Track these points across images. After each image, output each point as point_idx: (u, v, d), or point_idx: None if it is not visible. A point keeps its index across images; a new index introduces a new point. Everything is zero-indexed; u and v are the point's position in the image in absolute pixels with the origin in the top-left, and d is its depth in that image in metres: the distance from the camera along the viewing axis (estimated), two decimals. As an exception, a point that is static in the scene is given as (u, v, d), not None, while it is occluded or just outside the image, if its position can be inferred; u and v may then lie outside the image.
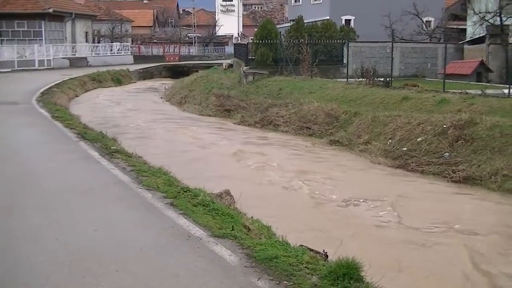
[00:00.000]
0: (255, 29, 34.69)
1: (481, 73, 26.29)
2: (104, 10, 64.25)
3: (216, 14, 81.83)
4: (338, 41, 29.06)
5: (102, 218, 7.16)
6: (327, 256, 6.45)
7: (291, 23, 33.34)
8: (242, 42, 46.26)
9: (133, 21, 71.52)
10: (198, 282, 5.24)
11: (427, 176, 13.05)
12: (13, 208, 7.58)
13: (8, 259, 5.77)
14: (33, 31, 42.26)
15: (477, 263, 8.06)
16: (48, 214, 7.30)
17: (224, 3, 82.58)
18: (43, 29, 42.40)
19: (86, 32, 51.13)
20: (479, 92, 18.01)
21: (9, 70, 36.97)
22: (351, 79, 23.97)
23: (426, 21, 36.33)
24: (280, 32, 30.36)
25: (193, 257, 5.78)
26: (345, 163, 14.89)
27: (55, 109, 18.93)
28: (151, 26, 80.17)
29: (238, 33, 76.53)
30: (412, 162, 13.89)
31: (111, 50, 52.90)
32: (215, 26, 75.36)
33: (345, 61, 27.90)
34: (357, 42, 29.74)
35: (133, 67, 46.88)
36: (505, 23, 27.22)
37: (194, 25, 74.81)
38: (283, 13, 78.95)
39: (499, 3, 27.77)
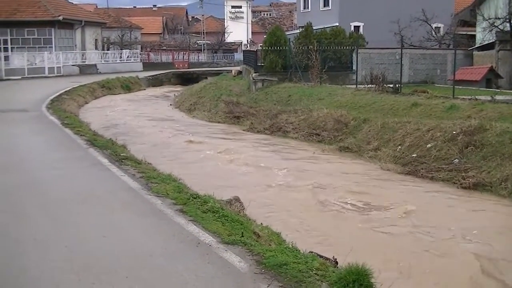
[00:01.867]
0: (264, 36, 34.72)
1: (490, 79, 26.19)
2: (114, 17, 64.58)
3: (225, 21, 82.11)
4: (347, 47, 29.10)
5: (112, 224, 7.18)
6: (337, 262, 6.44)
7: (300, 29, 33.34)
8: (251, 49, 46.30)
9: (143, 28, 71.90)
10: (208, 288, 5.24)
11: (437, 183, 12.99)
12: (22, 214, 7.61)
13: (17, 266, 5.77)
14: (43, 38, 42.60)
15: (488, 271, 8.01)
16: (57, 221, 7.32)
17: (233, 10, 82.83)
18: (53, 37, 42.73)
19: (95, 39, 51.45)
20: (489, 98, 17.95)
21: (19, 77, 37.28)
22: (360, 86, 23.99)
23: (435, 27, 36.24)
24: (289, 38, 30.42)
25: (203, 264, 5.77)
26: (356, 170, 14.86)
27: (64, 116, 19.02)
28: (160, 33, 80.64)
29: (247, 40, 76.66)
30: (422, 169, 13.83)
31: (121, 57, 53.16)
32: (224, 33, 75.58)
33: (354, 67, 27.90)
34: (366, 48, 29.75)
35: (143, 74, 47.07)
36: (515, 29, 27.13)
37: (203, 32, 74.98)
38: (292, 20, 79.02)
39: (509, 9, 27.67)
